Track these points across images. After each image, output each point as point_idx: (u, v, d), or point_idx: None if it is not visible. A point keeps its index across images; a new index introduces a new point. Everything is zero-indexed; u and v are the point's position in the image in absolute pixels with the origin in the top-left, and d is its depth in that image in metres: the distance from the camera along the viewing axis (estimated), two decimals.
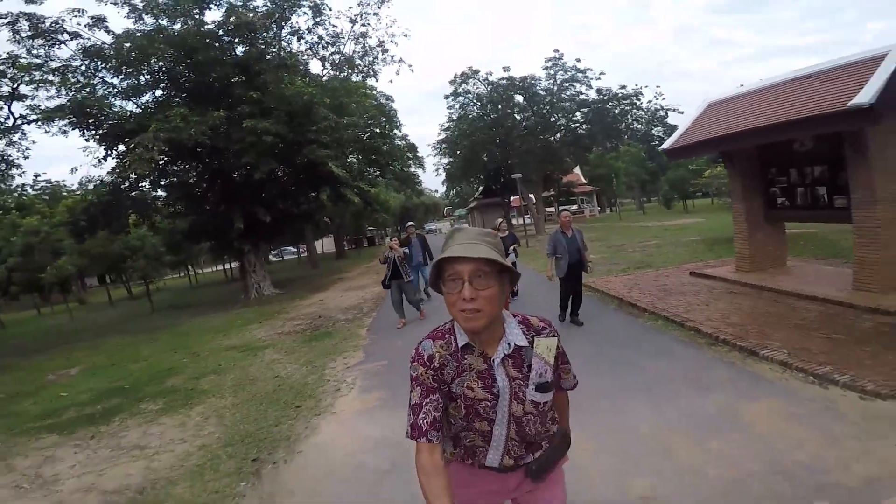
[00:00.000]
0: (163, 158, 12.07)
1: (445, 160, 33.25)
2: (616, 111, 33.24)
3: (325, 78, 17.56)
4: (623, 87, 31.83)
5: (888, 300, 5.21)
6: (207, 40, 12.48)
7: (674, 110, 34.32)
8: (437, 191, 69.14)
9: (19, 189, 27.40)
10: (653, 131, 37.09)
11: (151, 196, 17.16)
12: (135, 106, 14.16)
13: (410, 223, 10.77)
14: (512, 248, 8.59)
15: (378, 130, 18.98)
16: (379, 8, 17.44)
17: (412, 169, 29.00)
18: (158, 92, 13.74)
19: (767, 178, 7.51)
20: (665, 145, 8.73)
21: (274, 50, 14.51)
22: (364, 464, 3.40)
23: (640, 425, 3.37)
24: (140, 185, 15.61)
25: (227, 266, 31.96)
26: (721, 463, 2.79)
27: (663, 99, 34.77)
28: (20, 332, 18.55)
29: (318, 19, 15.75)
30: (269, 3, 14.57)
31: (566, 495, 1.51)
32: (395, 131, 25.84)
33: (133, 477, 3.74)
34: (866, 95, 4.83)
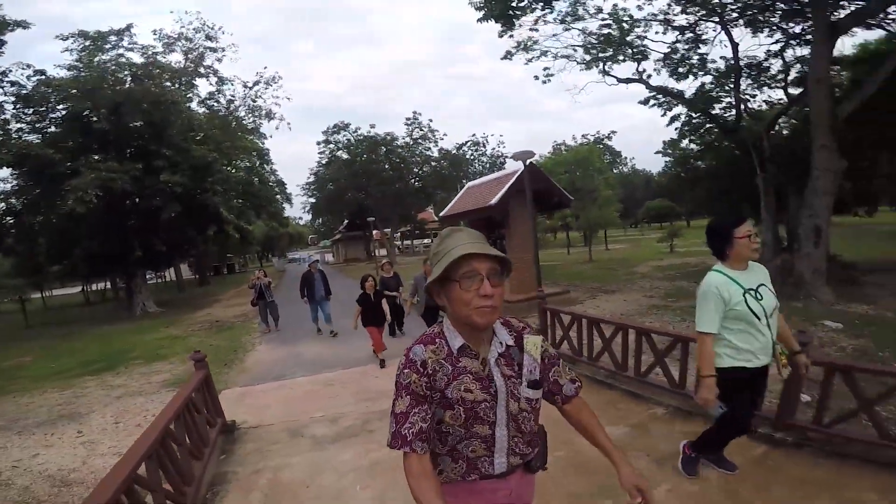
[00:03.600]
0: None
1: (313, 199, 38.08)
2: (467, 156, 42.53)
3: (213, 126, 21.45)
4: (473, 135, 40.73)
5: (511, 297, 11.67)
6: (131, 104, 15.91)
7: (511, 157, 44.96)
8: (300, 219, 71.92)
9: None
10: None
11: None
12: (36, 138, 16.39)
13: (315, 259, 11.77)
14: (398, 289, 9.09)
15: (256, 179, 23.28)
16: (270, 84, 22.22)
17: (281, 203, 33.33)
18: (82, 141, 16.49)
19: (488, 236, 14.09)
20: (442, 213, 15.14)
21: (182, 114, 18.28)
22: (272, 360, 8.52)
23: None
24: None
25: (86, 288, 31.98)
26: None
27: (504, 147, 44.82)
28: None
29: (220, 87, 20.05)
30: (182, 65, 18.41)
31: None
32: (266, 166, 30.17)
33: (167, 377, 8.25)
34: (493, 199, 11.29)
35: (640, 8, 13.69)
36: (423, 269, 7.40)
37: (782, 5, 12.02)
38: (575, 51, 15.46)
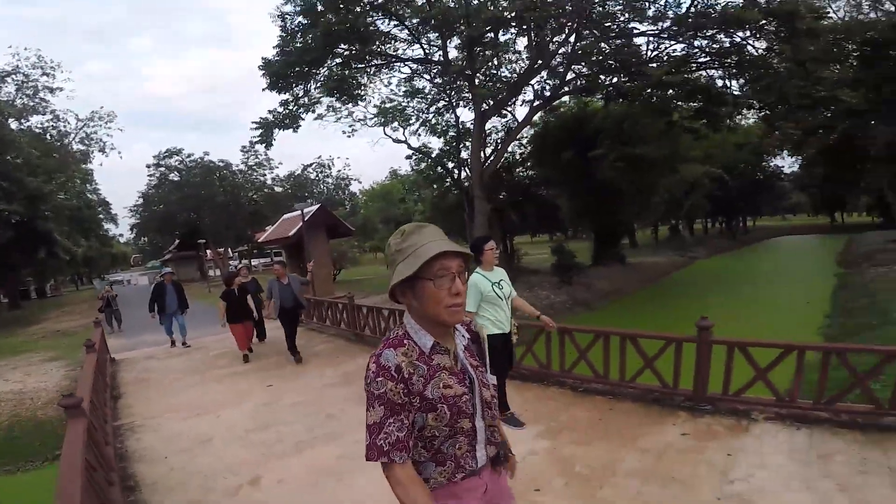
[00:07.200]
0: None
1: (138, 220, 38.70)
2: (312, 177, 45.51)
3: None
4: (319, 156, 43.80)
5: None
6: None
7: (355, 180, 48.86)
8: (121, 235, 67.59)
9: None
10: (337, 195, 48.75)
11: None
12: None
13: (168, 270, 11.84)
14: (258, 293, 8.96)
15: (83, 204, 25.16)
16: (105, 120, 24.49)
17: (105, 225, 34.19)
18: None
19: (295, 261, 19.25)
20: (261, 238, 19.99)
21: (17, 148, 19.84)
22: (122, 345, 12.65)
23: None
24: None
25: None
26: None
27: (350, 169, 48.56)
28: None
29: (55, 123, 22.07)
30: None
31: None
32: (89, 185, 31.09)
33: (45, 358, 11.80)
34: (291, 232, 16.68)
35: (405, 93, 20.26)
36: (274, 274, 7.86)
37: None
38: (365, 117, 21.59)
